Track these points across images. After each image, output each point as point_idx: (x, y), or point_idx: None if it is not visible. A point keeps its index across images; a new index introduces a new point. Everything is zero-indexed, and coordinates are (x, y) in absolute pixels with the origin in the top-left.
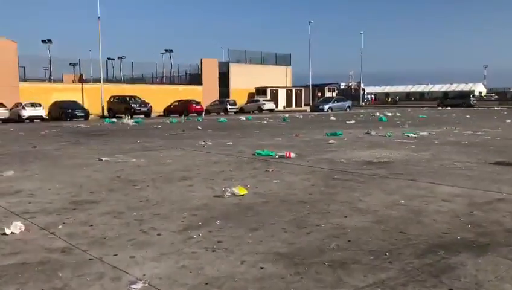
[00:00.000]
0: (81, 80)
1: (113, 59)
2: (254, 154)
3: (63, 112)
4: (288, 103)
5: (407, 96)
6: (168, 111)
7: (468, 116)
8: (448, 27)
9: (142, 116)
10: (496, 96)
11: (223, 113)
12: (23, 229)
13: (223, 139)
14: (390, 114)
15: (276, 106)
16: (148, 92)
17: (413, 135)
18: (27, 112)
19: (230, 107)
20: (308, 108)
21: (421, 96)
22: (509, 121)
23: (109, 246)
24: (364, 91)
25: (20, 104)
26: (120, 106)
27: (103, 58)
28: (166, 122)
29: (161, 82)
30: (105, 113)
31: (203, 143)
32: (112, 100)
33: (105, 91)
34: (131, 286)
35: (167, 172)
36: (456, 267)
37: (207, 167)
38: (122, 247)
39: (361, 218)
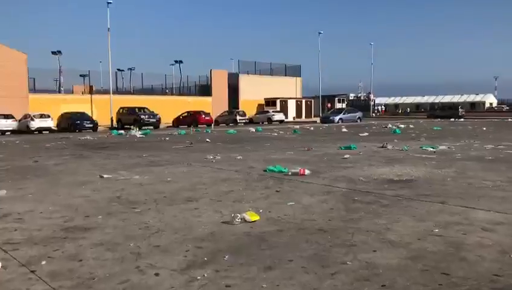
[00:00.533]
0: (91, 91)
1: (123, 70)
2: (265, 171)
3: (72, 123)
4: (298, 114)
5: (417, 108)
6: (177, 122)
7: (484, 129)
8: (458, 38)
9: (151, 127)
10: (507, 108)
11: (232, 124)
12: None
13: (232, 153)
14: (403, 126)
15: (286, 117)
16: (158, 103)
17: (432, 149)
18: (36, 123)
19: (239, 118)
20: (318, 119)
21: (431, 108)
22: None
23: None
24: (374, 102)
25: (29, 115)
26: (129, 117)
27: (113, 69)
28: (174, 133)
29: (171, 93)
30: (114, 124)
31: (211, 157)
32: (121, 111)
33: (115, 102)
34: None
35: (171, 192)
36: None
37: (215, 185)
38: None
39: (393, 253)
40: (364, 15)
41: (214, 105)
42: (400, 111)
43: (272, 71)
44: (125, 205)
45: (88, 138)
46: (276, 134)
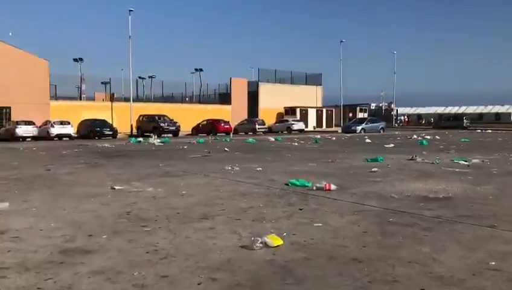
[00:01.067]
0: (112, 99)
1: (144, 78)
2: (287, 184)
3: (91, 130)
4: (319, 123)
5: (440, 118)
6: (196, 130)
7: None
8: (481, 48)
9: (170, 135)
10: None
11: (251, 133)
12: None
13: (252, 164)
14: (429, 137)
15: (306, 126)
16: (178, 111)
17: (465, 163)
18: (55, 130)
19: (258, 127)
20: (339, 129)
21: (455, 118)
22: None
23: None
24: (397, 112)
25: (49, 122)
26: (148, 125)
27: (134, 77)
28: (193, 142)
29: (190, 101)
30: (134, 131)
31: (229, 168)
32: (140, 119)
33: (135, 109)
34: None
35: (186, 207)
36: None
37: (233, 200)
38: None
39: None
40: (385, 24)
41: (233, 113)
42: (423, 121)
43: (292, 79)
44: (134, 222)
45: (106, 145)
46: (296, 144)
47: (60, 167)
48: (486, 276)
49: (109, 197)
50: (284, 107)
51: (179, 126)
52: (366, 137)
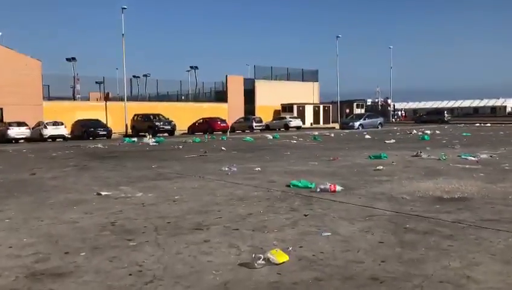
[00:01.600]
0: (107, 98)
1: (139, 77)
2: (289, 186)
3: (85, 130)
4: (316, 119)
5: (414, 113)
6: (193, 129)
7: None
8: (478, 41)
9: (166, 134)
10: None
11: (248, 131)
12: None
13: (250, 164)
14: (429, 131)
15: (303, 123)
16: (173, 109)
17: (474, 159)
18: (49, 131)
19: (255, 124)
20: (336, 125)
21: (436, 113)
22: None
23: None
24: (394, 107)
25: (42, 122)
26: (143, 124)
27: (128, 76)
28: (188, 141)
29: (186, 99)
30: (129, 131)
31: (226, 169)
32: (135, 118)
33: (130, 109)
34: None
35: (177, 215)
36: None
37: (230, 205)
38: None
39: None
40: (379, 19)
41: (229, 111)
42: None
43: (288, 76)
44: (118, 235)
45: (99, 146)
46: (295, 141)
47: (47, 170)
48: None
49: (94, 205)
50: (281, 104)
51: (175, 125)
52: (365, 133)
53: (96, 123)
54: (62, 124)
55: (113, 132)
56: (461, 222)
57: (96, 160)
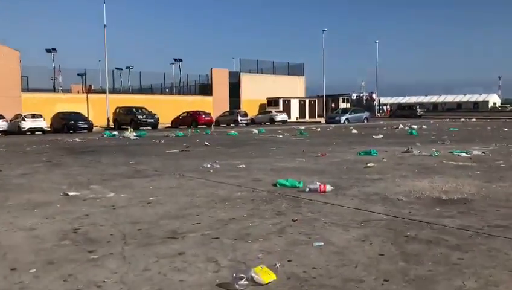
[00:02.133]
0: (89, 91)
1: (121, 69)
2: (275, 185)
3: (65, 123)
4: (301, 114)
5: (420, 107)
6: (176, 122)
7: (506, 130)
8: (462, 37)
9: (149, 128)
10: None
11: (233, 125)
12: None
13: (234, 160)
14: (415, 126)
15: (289, 117)
16: (157, 102)
17: (467, 155)
18: (27, 124)
19: (241, 118)
20: (322, 119)
21: (434, 108)
22: None
23: None
24: (379, 102)
25: (20, 115)
26: (126, 117)
27: (111, 68)
28: (171, 135)
29: (170, 93)
30: (111, 124)
31: (208, 166)
32: (117, 111)
33: (112, 102)
34: None
35: (150, 221)
36: None
37: (211, 208)
38: None
39: None
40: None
41: (214, 105)
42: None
43: (274, 70)
44: (79, 246)
45: (77, 140)
46: (281, 136)
47: (16, 166)
48: None
49: (57, 208)
50: (267, 98)
51: (158, 118)
52: (352, 128)
53: (77, 116)
54: (41, 116)
55: (94, 125)
56: (467, 229)
57: (71, 155)
